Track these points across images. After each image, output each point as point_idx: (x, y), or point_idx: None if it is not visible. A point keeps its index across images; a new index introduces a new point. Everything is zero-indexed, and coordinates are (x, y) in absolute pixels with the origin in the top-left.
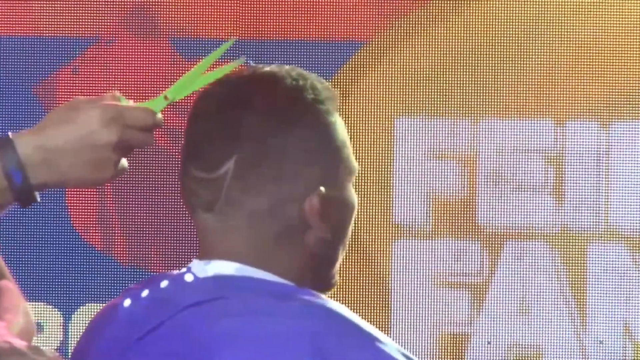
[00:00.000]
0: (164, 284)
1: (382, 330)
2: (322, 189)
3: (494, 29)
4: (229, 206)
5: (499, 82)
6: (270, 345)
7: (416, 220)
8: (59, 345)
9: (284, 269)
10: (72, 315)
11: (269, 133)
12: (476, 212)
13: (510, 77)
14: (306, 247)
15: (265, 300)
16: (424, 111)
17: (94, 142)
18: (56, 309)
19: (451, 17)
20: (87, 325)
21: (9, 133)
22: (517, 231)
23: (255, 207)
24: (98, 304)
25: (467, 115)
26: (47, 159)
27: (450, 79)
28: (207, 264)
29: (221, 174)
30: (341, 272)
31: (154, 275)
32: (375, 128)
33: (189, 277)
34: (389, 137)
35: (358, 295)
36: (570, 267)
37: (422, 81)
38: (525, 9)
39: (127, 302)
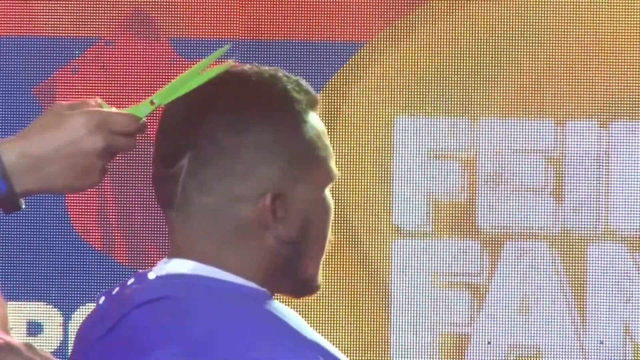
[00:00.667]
0: (130, 281)
1: (382, 331)
2: (278, 188)
3: (493, 29)
4: (185, 204)
5: (499, 82)
6: (201, 346)
7: (416, 221)
8: (59, 345)
9: (245, 269)
10: (72, 315)
11: (223, 131)
12: (476, 213)
13: (510, 77)
14: (267, 248)
15: (208, 301)
16: (424, 111)
17: (80, 149)
18: (56, 309)
19: (451, 17)
20: None
21: None
22: (517, 231)
23: (208, 205)
24: None
25: (467, 115)
26: (32, 166)
27: (450, 79)
28: (167, 262)
29: (176, 171)
30: (341, 272)
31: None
32: (375, 128)
33: (151, 275)
34: (389, 137)
35: (358, 295)
36: (570, 268)
37: (422, 81)
38: (525, 9)
39: (101, 300)
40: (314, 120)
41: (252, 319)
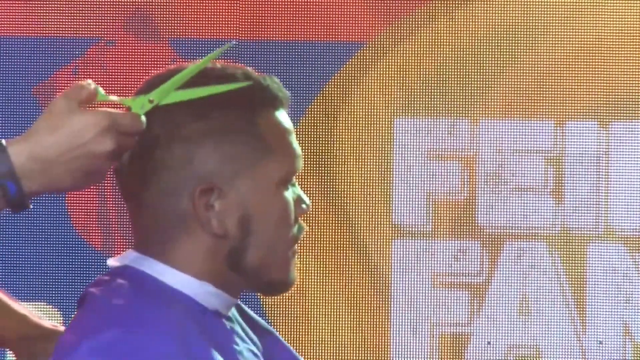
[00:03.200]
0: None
1: (382, 330)
2: (212, 182)
3: (494, 29)
4: (130, 197)
5: (499, 83)
6: (75, 339)
7: (416, 220)
8: None
9: (185, 263)
10: (72, 315)
11: (159, 126)
12: (476, 213)
13: (511, 77)
14: (205, 242)
15: (118, 296)
16: (424, 111)
17: (90, 152)
18: (56, 309)
19: (451, 17)
20: None
21: (2, 140)
22: (517, 231)
23: (147, 198)
24: None
25: (467, 115)
26: (41, 168)
27: (450, 79)
28: (123, 254)
29: (122, 164)
30: (341, 271)
31: None
32: (375, 128)
33: (111, 266)
34: (389, 137)
35: (358, 295)
36: (570, 267)
37: (422, 81)
38: (526, 9)
39: None
40: (272, 118)
41: (140, 317)
